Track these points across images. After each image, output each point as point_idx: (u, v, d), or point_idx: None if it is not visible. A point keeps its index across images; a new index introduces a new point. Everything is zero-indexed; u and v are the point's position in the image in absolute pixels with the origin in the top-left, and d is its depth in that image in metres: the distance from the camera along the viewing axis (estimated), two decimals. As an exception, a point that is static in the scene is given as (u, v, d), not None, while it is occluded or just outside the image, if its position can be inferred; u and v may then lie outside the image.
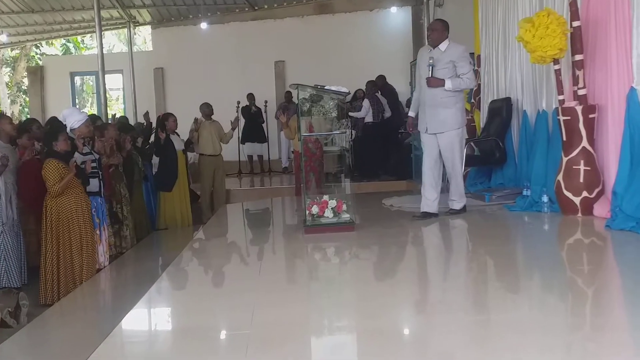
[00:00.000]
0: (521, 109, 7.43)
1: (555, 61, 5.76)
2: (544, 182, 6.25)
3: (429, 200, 6.06)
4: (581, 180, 5.65)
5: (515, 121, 7.63)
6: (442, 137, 5.96)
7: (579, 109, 5.60)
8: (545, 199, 6.03)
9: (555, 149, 6.14)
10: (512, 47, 7.65)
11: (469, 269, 4.47)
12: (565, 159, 5.76)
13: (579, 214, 5.68)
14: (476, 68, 8.91)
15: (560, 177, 5.80)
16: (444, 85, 5.83)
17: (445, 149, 5.98)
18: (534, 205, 6.20)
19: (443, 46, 5.93)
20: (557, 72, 5.81)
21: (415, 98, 6.24)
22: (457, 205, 6.19)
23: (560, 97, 5.86)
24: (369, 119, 10.90)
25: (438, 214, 6.07)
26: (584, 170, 5.62)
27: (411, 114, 6.29)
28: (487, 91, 8.64)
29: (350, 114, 10.67)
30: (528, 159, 7.01)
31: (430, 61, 5.85)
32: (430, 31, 6.06)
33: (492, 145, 7.70)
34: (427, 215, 6.05)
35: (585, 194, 5.66)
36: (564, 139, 5.78)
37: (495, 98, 8.27)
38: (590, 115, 5.60)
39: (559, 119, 5.82)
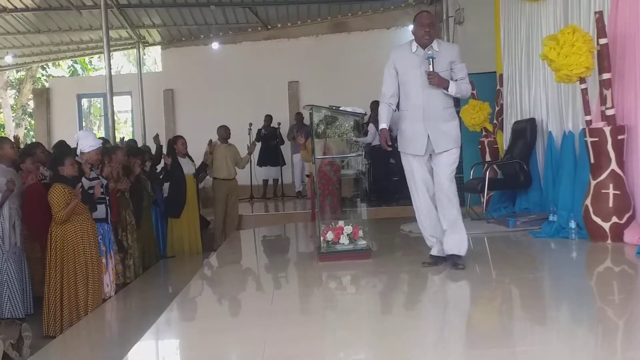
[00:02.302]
0: (546, 130, 7.31)
1: (582, 80, 5.66)
2: (571, 207, 6.13)
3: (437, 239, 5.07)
4: (610, 204, 5.53)
5: (540, 143, 7.52)
6: (444, 157, 4.85)
7: (607, 130, 5.54)
8: (572, 224, 5.92)
9: (582, 172, 6.04)
10: (536, 65, 7.54)
11: (492, 298, 4.33)
12: (593, 183, 5.66)
13: (609, 241, 5.57)
14: (499, 87, 8.78)
15: (588, 202, 5.70)
16: (447, 88, 4.76)
17: (446, 172, 4.83)
18: (561, 232, 6.09)
19: (435, 45, 4.83)
20: (584, 92, 5.71)
21: (387, 110, 5.01)
22: (463, 248, 4.95)
23: (588, 118, 5.76)
24: (376, 142, 10.64)
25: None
26: (613, 194, 5.54)
27: (385, 126, 4.99)
28: (511, 111, 8.52)
29: (356, 139, 10.33)
30: (554, 183, 6.90)
31: (430, 52, 4.74)
32: (428, 27, 4.78)
33: (516, 168, 7.58)
34: (439, 260, 5.10)
35: (614, 219, 5.53)
36: (592, 161, 5.69)
37: (519, 119, 8.17)
38: (619, 137, 5.53)
39: (586, 141, 5.74)
